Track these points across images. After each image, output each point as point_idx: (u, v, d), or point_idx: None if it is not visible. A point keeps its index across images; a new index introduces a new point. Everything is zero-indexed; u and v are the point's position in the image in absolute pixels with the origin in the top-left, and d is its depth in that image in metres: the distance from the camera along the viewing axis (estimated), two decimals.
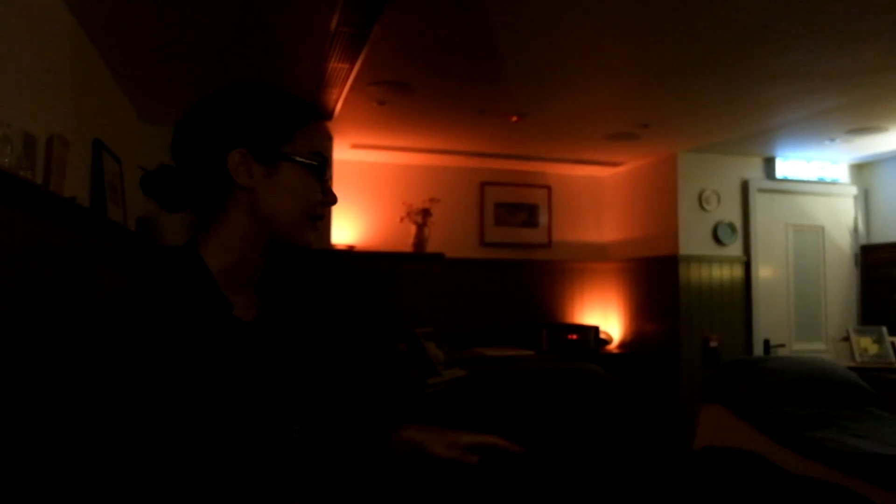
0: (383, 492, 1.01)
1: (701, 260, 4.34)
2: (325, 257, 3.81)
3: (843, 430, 2.86)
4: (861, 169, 4.76)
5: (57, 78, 2.18)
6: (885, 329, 3.99)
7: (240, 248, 0.90)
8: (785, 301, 4.57)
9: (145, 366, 0.78)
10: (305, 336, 1.01)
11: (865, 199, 4.76)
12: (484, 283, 4.66)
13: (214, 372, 0.83)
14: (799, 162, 4.57)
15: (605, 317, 4.92)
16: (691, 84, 3.02)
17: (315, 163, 0.92)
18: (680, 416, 4.19)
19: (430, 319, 3.78)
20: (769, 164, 4.53)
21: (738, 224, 4.46)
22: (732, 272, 4.42)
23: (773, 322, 4.51)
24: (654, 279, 4.51)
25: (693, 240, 4.34)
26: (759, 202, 4.51)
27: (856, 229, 4.73)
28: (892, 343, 3.93)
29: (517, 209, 4.88)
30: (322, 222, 0.99)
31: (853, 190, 4.73)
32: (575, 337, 4.53)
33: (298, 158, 0.90)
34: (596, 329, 4.62)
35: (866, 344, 3.96)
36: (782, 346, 4.49)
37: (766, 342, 4.39)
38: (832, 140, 4.07)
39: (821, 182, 4.65)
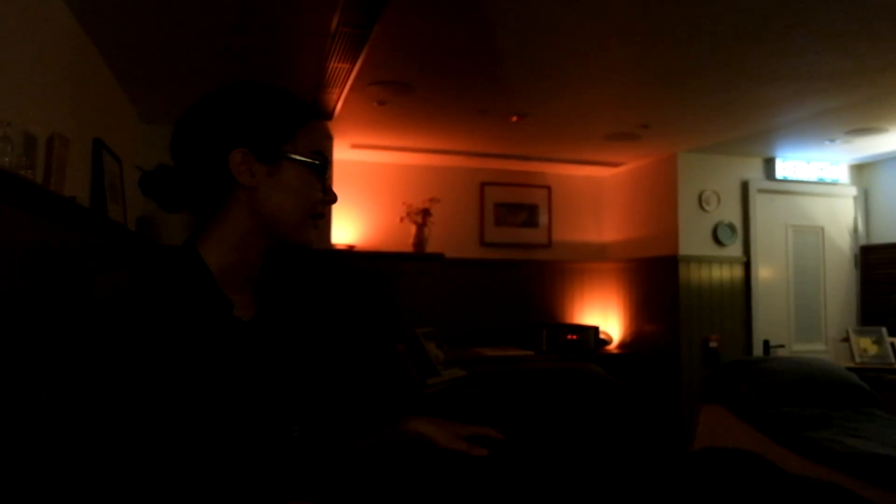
0: (385, 490, 1.01)
1: (701, 260, 4.35)
2: (325, 257, 3.81)
3: (842, 431, 2.86)
4: (861, 169, 4.76)
5: (57, 77, 2.18)
6: (884, 330, 3.99)
7: (239, 247, 0.90)
8: (785, 301, 4.58)
9: (147, 366, 0.78)
10: (304, 336, 1.01)
11: (865, 200, 4.76)
12: (484, 284, 4.66)
13: (215, 371, 0.83)
14: (799, 162, 4.58)
15: (605, 317, 4.92)
16: (691, 84, 3.02)
17: (316, 161, 0.92)
18: (680, 416, 4.19)
19: (430, 319, 3.79)
20: (769, 164, 4.53)
21: (738, 224, 4.46)
22: (732, 272, 4.42)
23: (772, 322, 4.51)
24: (654, 279, 4.51)
25: (693, 240, 4.34)
26: (758, 202, 4.51)
27: (855, 230, 4.73)
28: (892, 344, 3.93)
29: (517, 209, 4.88)
30: (322, 222, 0.99)
31: (853, 190, 4.73)
32: (575, 337, 4.53)
33: (300, 157, 0.90)
34: (596, 329, 4.63)
35: (866, 344, 3.96)
36: (782, 346, 4.49)
37: (766, 342, 4.39)
38: (832, 141, 4.08)
39: (820, 182, 4.65)
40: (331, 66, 2.73)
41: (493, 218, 4.81)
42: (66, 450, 0.77)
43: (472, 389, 3.02)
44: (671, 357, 4.31)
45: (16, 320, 1.57)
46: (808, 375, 3.32)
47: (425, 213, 4.30)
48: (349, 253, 4.14)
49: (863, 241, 4.72)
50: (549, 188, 4.96)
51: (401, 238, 4.35)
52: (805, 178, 4.60)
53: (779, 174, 4.51)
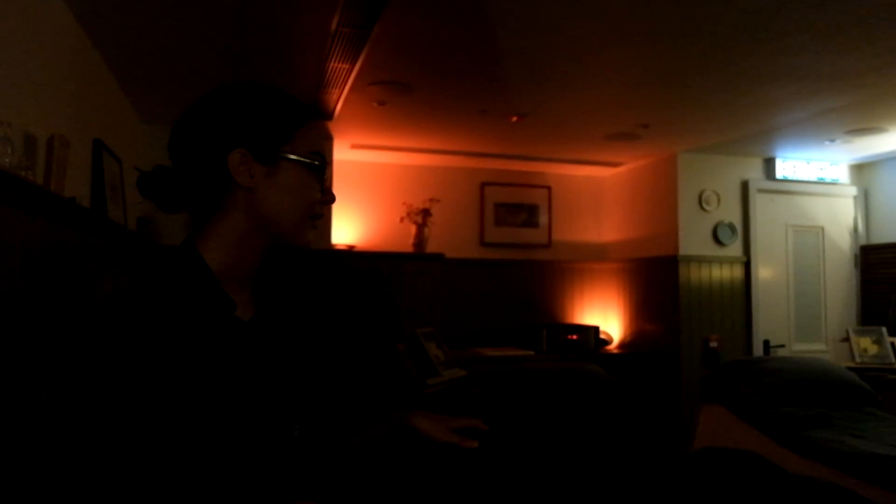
0: (381, 484, 1.02)
1: (701, 260, 4.35)
2: (325, 257, 3.81)
3: (842, 431, 2.87)
4: (861, 169, 4.76)
5: (57, 78, 2.18)
6: (884, 329, 4.00)
7: (238, 247, 0.90)
8: (785, 301, 4.58)
9: (150, 366, 0.78)
10: (304, 335, 1.01)
11: (865, 200, 4.76)
12: (484, 284, 4.66)
13: (217, 371, 0.83)
14: (799, 162, 4.58)
15: (605, 317, 4.92)
16: (691, 84, 3.03)
17: (315, 162, 0.92)
18: (680, 416, 4.19)
19: (430, 319, 3.79)
20: (769, 164, 4.53)
21: (738, 224, 4.46)
22: (732, 272, 4.42)
23: (772, 322, 4.51)
24: (654, 279, 4.51)
25: (693, 240, 4.34)
26: (758, 202, 4.51)
27: (855, 230, 4.73)
28: (892, 343, 3.93)
29: (517, 209, 4.88)
30: (323, 222, 1.00)
31: (853, 190, 4.73)
32: (575, 337, 4.53)
33: (298, 158, 0.90)
34: (596, 329, 4.63)
35: (866, 344, 3.96)
36: (782, 346, 4.49)
37: (766, 342, 4.39)
38: (832, 140, 4.08)
39: (820, 182, 4.65)
40: (331, 66, 2.73)
41: (493, 218, 4.81)
42: (67, 450, 0.77)
43: (472, 389, 3.02)
44: (671, 357, 4.31)
45: (16, 321, 1.57)
46: (808, 375, 3.32)
47: (425, 213, 4.30)
48: (349, 253, 4.14)
49: (863, 241, 4.72)
50: (549, 188, 4.96)
51: (401, 238, 4.35)
52: (805, 178, 4.60)
53: (779, 174, 4.51)
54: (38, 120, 1.93)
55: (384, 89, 3.06)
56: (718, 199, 4.41)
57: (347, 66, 2.75)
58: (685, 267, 4.30)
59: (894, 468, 2.38)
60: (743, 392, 3.25)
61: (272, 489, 0.85)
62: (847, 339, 4.04)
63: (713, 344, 4.29)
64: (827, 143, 4.13)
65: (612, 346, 4.81)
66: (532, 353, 4.35)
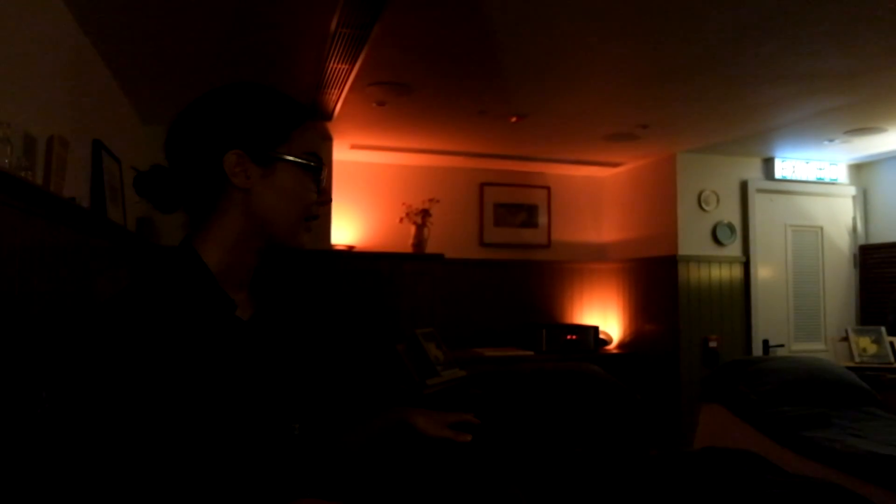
0: (378, 480, 1.02)
1: (700, 260, 4.35)
2: (324, 257, 3.81)
3: (841, 430, 2.87)
4: (860, 169, 4.77)
5: (57, 78, 2.18)
6: (883, 329, 4.00)
7: (235, 248, 0.90)
8: (784, 301, 4.58)
9: (150, 366, 0.78)
10: (303, 335, 1.02)
11: (864, 200, 4.76)
12: (483, 284, 4.67)
13: (218, 371, 0.83)
14: (798, 162, 4.58)
15: (605, 317, 4.93)
16: (690, 85, 3.03)
17: (311, 163, 0.92)
18: (679, 416, 4.19)
19: (430, 320, 3.79)
20: (768, 164, 4.53)
21: (738, 224, 4.46)
22: (732, 272, 4.42)
23: (772, 322, 4.51)
24: (654, 279, 4.51)
25: (692, 240, 4.35)
26: (758, 202, 4.52)
27: (854, 229, 4.74)
28: (891, 343, 3.93)
29: (517, 210, 4.89)
30: (322, 223, 1.00)
31: (852, 190, 4.74)
32: (574, 337, 4.53)
33: (295, 159, 0.90)
34: (595, 329, 4.63)
35: (865, 344, 3.97)
36: (781, 346, 4.50)
37: (766, 342, 4.39)
38: (831, 140, 4.08)
39: (819, 182, 4.65)
40: (330, 66, 2.74)
41: (492, 218, 4.81)
42: (67, 450, 0.77)
43: (472, 390, 3.02)
44: (671, 357, 4.31)
45: (15, 321, 1.57)
46: (807, 375, 3.32)
47: (425, 213, 4.30)
48: (349, 253, 4.14)
49: (862, 241, 4.73)
50: (548, 188, 4.97)
51: (400, 238, 4.35)
52: (804, 178, 4.61)
53: (778, 174, 4.51)
54: (38, 120, 1.93)
55: (384, 90, 3.07)
56: (717, 199, 4.42)
57: (347, 67, 2.75)
58: (684, 267, 4.30)
59: (894, 467, 2.38)
60: (742, 392, 3.25)
61: (273, 488, 0.85)
62: (846, 339, 4.05)
63: (712, 344, 4.29)
64: (826, 142, 4.14)
65: (612, 347, 4.81)
66: (532, 353, 4.35)
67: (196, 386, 0.80)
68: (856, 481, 2.36)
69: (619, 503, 2.11)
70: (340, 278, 3.78)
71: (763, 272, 4.52)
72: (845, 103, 3.29)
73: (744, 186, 4.50)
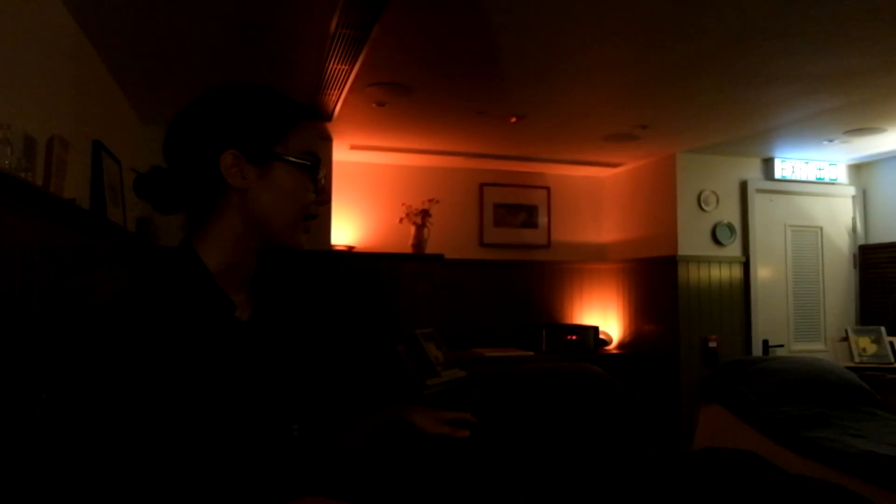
0: (380, 483, 1.02)
1: (700, 260, 4.35)
2: (324, 258, 3.81)
3: (841, 430, 2.87)
4: (859, 169, 4.77)
5: (57, 79, 2.18)
6: (883, 329, 4.00)
7: (234, 248, 0.90)
8: (784, 301, 4.58)
9: (150, 367, 0.78)
10: (303, 336, 1.02)
11: (864, 200, 4.77)
12: (483, 284, 4.67)
13: (217, 372, 0.83)
14: (797, 162, 4.58)
15: (605, 317, 4.93)
16: (690, 85, 3.03)
17: (308, 162, 0.92)
18: (679, 416, 4.19)
19: (430, 320, 3.79)
20: (768, 164, 4.54)
21: (737, 224, 4.47)
22: (731, 272, 4.43)
23: (771, 322, 4.51)
24: (654, 279, 4.52)
25: (692, 240, 4.35)
26: (757, 202, 4.52)
27: (854, 229, 4.74)
28: (891, 343, 3.93)
29: (516, 210, 4.89)
30: (322, 223, 1.00)
31: (851, 190, 4.74)
32: (574, 337, 4.54)
33: (291, 158, 0.90)
34: (595, 329, 4.63)
35: (865, 344, 3.97)
36: (781, 346, 4.50)
37: (765, 342, 4.40)
38: (830, 141, 4.08)
39: (819, 182, 4.66)
40: (330, 67, 2.74)
41: (492, 219, 4.82)
42: (67, 451, 0.78)
43: (472, 390, 3.02)
44: (670, 357, 4.31)
45: (16, 322, 1.57)
46: (807, 375, 3.32)
47: (424, 213, 4.31)
48: (349, 254, 4.14)
49: (861, 241, 4.73)
50: (548, 189, 4.97)
51: (400, 239, 4.35)
52: (804, 178, 4.61)
53: (777, 174, 4.51)
54: (38, 121, 1.93)
55: (383, 90, 3.07)
56: (717, 200, 4.42)
57: (346, 68, 2.75)
58: (684, 267, 4.31)
59: (893, 467, 2.38)
60: (742, 392, 3.25)
61: (271, 488, 0.85)
62: (846, 339, 4.05)
63: (712, 344, 4.29)
64: (825, 143, 4.14)
65: (612, 347, 4.81)
66: (531, 353, 4.35)
67: (194, 387, 0.80)
68: (855, 481, 2.36)
69: (618, 503, 2.11)
70: (340, 279, 3.79)
71: (763, 272, 4.52)
72: (845, 103, 3.29)
73: (743, 186, 4.50)
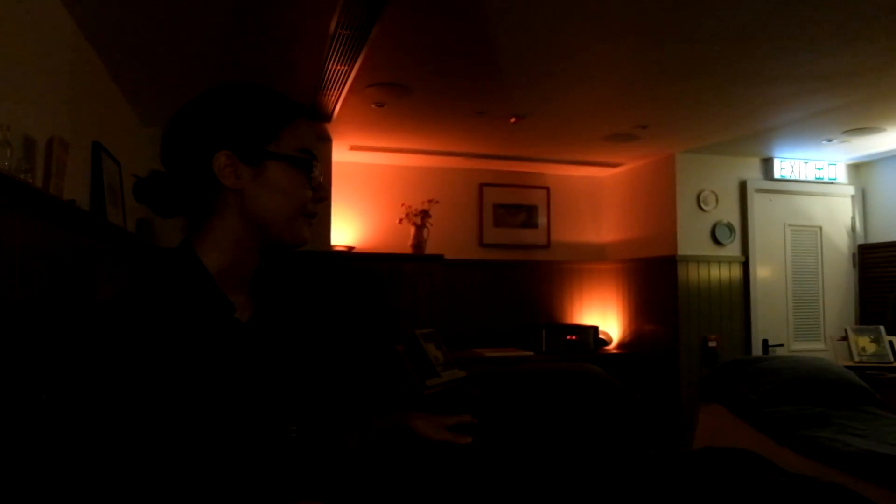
0: (381, 488, 1.02)
1: (699, 260, 4.35)
2: (324, 258, 3.81)
3: (841, 430, 2.87)
4: (858, 169, 4.77)
5: (56, 81, 2.18)
6: (882, 328, 4.00)
7: (234, 249, 0.90)
8: (783, 301, 4.59)
9: (148, 368, 0.78)
10: (302, 336, 1.02)
11: (863, 199, 4.77)
12: (483, 284, 4.67)
13: (216, 373, 0.83)
14: (796, 162, 4.59)
15: (604, 317, 4.93)
16: (689, 85, 3.03)
17: (302, 159, 0.91)
18: (679, 415, 4.19)
19: (430, 320, 3.79)
20: (767, 164, 4.54)
21: (737, 224, 4.47)
22: (731, 272, 4.43)
23: (771, 322, 4.52)
24: (653, 279, 4.52)
25: (691, 240, 4.35)
26: (756, 202, 4.52)
27: (853, 229, 4.74)
28: (890, 342, 3.94)
29: (516, 210, 4.89)
30: (321, 224, 1.00)
31: (850, 190, 4.74)
32: (574, 337, 4.54)
33: (284, 156, 0.90)
34: (595, 329, 4.63)
35: (864, 343, 3.97)
36: (781, 345, 4.50)
37: (765, 342, 4.40)
38: (829, 140, 4.09)
39: (818, 182, 4.66)
40: (329, 68, 2.74)
41: (491, 219, 4.82)
42: (66, 452, 0.78)
43: (472, 390, 3.02)
44: (670, 357, 4.31)
45: (16, 324, 1.57)
46: (806, 374, 3.32)
47: (424, 214, 4.31)
48: (348, 254, 4.14)
49: (861, 240, 4.73)
50: (547, 189, 4.97)
51: (400, 239, 4.35)
52: (803, 178, 4.61)
53: (777, 174, 4.52)
54: (38, 123, 1.93)
55: (383, 91, 3.07)
56: (717, 199, 4.42)
57: (346, 68, 2.75)
58: (684, 267, 4.31)
59: (893, 467, 2.39)
60: (742, 391, 3.25)
61: (269, 490, 0.85)
62: (845, 338, 4.05)
63: (712, 343, 4.29)
64: (824, 142, 4.14)
65: (612, 347, 4.81)
66: (531, 353, 4.35)
67: (191, 388, 0.80)
68: (855, 480, 2.36)
69: (618, 503, 2.11)
70: (340, 279, 3.79)
71: (762, 272, 4.53)
72: (844, 103, 3.30)
73: (743, 186, 4.50)
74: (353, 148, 4.20)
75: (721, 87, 3.06)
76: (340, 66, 2.72)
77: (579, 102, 3.32)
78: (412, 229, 4.29)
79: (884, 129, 3.83)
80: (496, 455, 2.34)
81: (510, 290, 4.74)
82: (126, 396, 0.76)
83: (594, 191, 5.12)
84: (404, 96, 3.15)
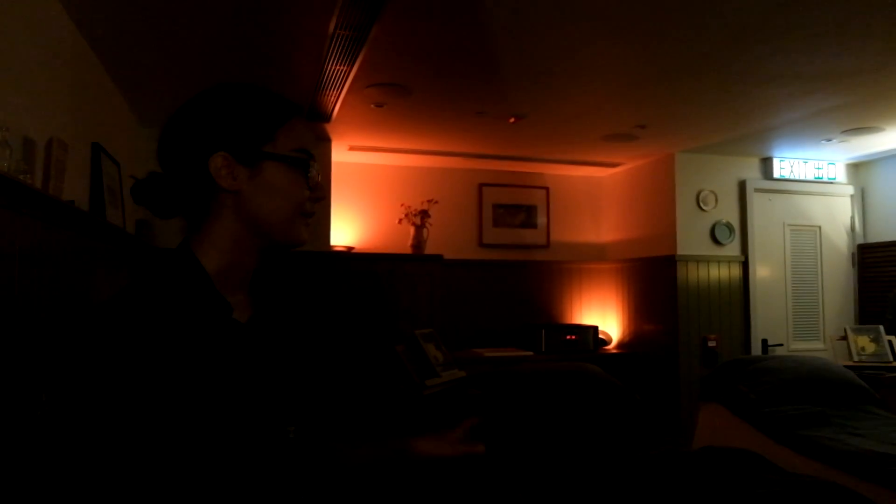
0: (384, 491, 1.02)
1: (699, 260, 4.36)
2: (323, 259, 3.81)
3: (840, 429, 2.87)
4: (857, 168, 4.77)
5: (56, 81, 2.18)
6: (882, 328, 4.01)
7: (232, 250, 0.90)
8: (782, 300, 4.59)
9: (145, 368, 0.78)
10: (302, 337, 1.01)
11: (862, 199, 4.77)
12: (482, 284, 4.67)
13: (213, 373, 0.83)
14: (796, 162, 4.59)
15: (604, 317, 4.93)
16: (688, 85, 3.04)
17: (298, 158, 0.91)
18: (679, 415, 4.20)
19: (429, 321, 3.79)
20: (766, 164, 4.54)
21: (736, 224, 4.47)
22: (730, 272, 4.43)
23: (770, 321, 4.52)
24: (653, 279, 4.52)
25: (691, 240, 4.35)
26: (756, 202, 4.52)
27: (853, 228, 4.75)
28: (890, 342, 3.94)
29: (515, 210, 4.89)
30: (321, 224, 1.00)
31: (850, 189, 4.75)
32: (574, 337, 4.54)
33: (280, 156, 0.90)
34: (595, 329, 4.63)
35: (864, 343, 3.98)
36: (780, 345, 4.50)
37: (764, 342, 4.40)
38: (828, 140, 4.09)
39: (818, 182, 4.66)
40: (329, 68, 2.74)
41: (491, 219, 4.82)
42: (64, 452, 0.78)
43: (471, 390, 3.03)
44: (670, 356, 4.32)
45: (15, 324, 1.57)
46: (806, 374, 3.33)
47: (424, 214, 4.31)
48: (348, 254, 4.14)
49: (860, 240, 4.73)
50: (547, 189, 4.97)
51: (399, 239, 4.36)
52: (802, 178, 4.61)
53: (776, 173, 4.52)
54: (37, 123, 1.93)
55: (382, 91, 3.07)
56: (716, 199, 4.42)
57: (345, 69, 2.75)
58: (683, 267, 4.31)
59: (892, 466, 2.39)
60: (741, 391, 3.26)
61: (266, 491, 0.85)
62: (845, 338, 4.05)
63: (711, 343, 4.30)
64: (824, 142, 4.15)
65: (611, 347, 4.82)
66: (531, 353, 4.36)
67: (188, 388, 0.80)
68: (854, 480, 2.37)
69: (618, 503, 2.11)
70: (339, 279, 3.79)
71: (762, 271, 4.53)
72: (843, 103, 3.30)
73: (742, 186, 4.50)
74: (352, 148, 4.20)
75: (720, 87, 3.06)
76: (340, 66, 2.72)
77: (578, 102, 3.32)
78: (412, 229, 4.30)
79: (883, 129, 3.83)
80: (496, 455, 2.34)
81: (510, 290, 4.74)
82: (122, 395, 0.76)
83: (593, 191, 5.12)
84: (404, 96, 3.15)
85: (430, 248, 4.29)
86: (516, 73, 2.88)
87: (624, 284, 4.83)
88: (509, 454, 2.45)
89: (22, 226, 1.62)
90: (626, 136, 3.95)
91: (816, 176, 4.65)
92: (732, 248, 4.45)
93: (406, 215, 4.33)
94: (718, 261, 4.40)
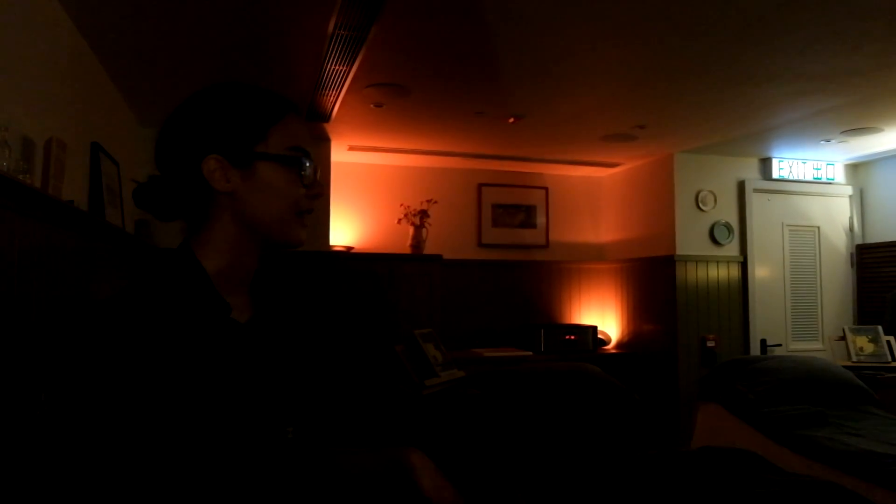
0: (382, 489, 1.02)
1: (698, 260, 4.36)
2: (323, 259, 3.81)
3: (839, 429, 2.88)
4: (856, 169, 4.78)
5: (55, 81, 2.18)
6: (880, 328, 4.01)
7: (231, 251, 0.90)
8: (781, 301, 4.59)
9: (144, 368, 0.78)
10: (301, 337, 1.01)
11: (861, 199, 4.78)
12: (482, 284, 4.67)
13: (211, 373, 0.83)
14: (795, 162, 4.60)
15: (603, 317, 4.93)
16: (687, 85, 3.04)
17: (292, 156, 0.90)
18: (677, 415, 4.20)
19: (429, 320, 3.79)
20: (765, 164, 4.55)
21: (735, 224, 4.48)
22: (729, 272, 4.44)
23: (769, 322, 4.52)
24: (652, 279, 4.52)
25: (690, 240, 4.36)
26: (755, 202, 4.53)
27: (851, 229, 4.75)
28: (888, 342, 3.94)
29: (515, 210, 4.89)
30: (321, 224, 0.99)
31: (848, 190, 4.75)
32: (573, 337, 4.54)
33: (273, 155, 0.89)
34: (594, 329, 4.64)
35: (862, 343, 3.98)
36: (779, 345, 4.51)
37: (763, 342, 4.41)
38: (827, 140, 4.09)
39: (816, 182, 4.67)
40: (328, 68, 2.74)
41: (490, 219, 4.82)
42: (63, 452, 0.78)
43: (470, 390, 3.03)
44: (669, 357, 4.32)
45: (15, 324, 1.57)
46: (804, 374, 3.33)
47: (423, 214, 4.31)
48: (347, 255, 4.14)
49: (858, 240, 4.74)
50: (546, 189, 4.98)
51: (399, 239, 4.36)
52: (801, 178, 4.62)
53: (775, 174, 4.52)
54: (36, 123, 1.93)
55: (381, 91, 3.07)
56: (715, 199, 4.43)
57: (345, 69, 2.75)
58: (682, 267, 4.31)
59: (891, 466, 2.39)
60: (740, 391, 3.26)
61: (264, 491, 0.85)
62: (843, 338, 4.06)
63: (710, 343, 4.30)
64: (822, 142, 4.15)
65: (610, 346, 4.82)
66: (530, 353, 4.36)
67: (186, 387, 0.80)
68: (853, 480, 2.37)
69: (618, 503, 2.11)
70: (339, 279, 3.79)
71: (760, 272, 4.53)
72: (842, 103, 3.30)
73: (741, 186, 4.51)
74: (351, 148, 4.20)
75: (719, 87, 3.06)
76: (339, 66, 2.72)
77: (578, 102, 3.33)
78: (411, 229, 4.30)
79: (882, 130, 3.84)
80: (495, 455, 2.34)
81: (509, 290, 4.75)
82: (120, 395, 0.76)
83: (593, 191, 5.12)
84: (403, 96, 3.15)
85: (429, 248, 4.30)
86: (516, 74, 2.88)
87: (623, 284, 4.83)
88: (509, 454, 2.45)
89: (21, 225, 1.62)
90: (626, 137, 3.95)
91: (815, 176, 4.66)
92: (731, 249, 4.45)
93: (405, 215, 4.34)
94: (717, 261, 4.41)
